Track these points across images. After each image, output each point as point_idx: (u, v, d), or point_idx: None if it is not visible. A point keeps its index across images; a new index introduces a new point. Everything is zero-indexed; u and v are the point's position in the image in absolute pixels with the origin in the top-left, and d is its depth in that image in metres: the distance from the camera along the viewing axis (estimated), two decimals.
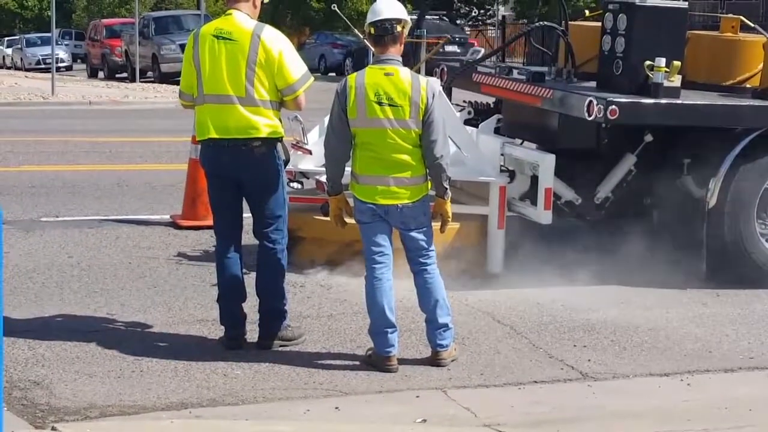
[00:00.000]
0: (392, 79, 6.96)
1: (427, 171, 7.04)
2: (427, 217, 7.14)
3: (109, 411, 6.26)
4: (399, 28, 7.05)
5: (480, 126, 10.22)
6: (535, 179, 9.44)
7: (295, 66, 7.19)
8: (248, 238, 7.69)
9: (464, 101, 11.37)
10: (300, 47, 42.80)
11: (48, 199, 12.75)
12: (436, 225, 7.24)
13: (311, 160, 9.56)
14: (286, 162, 7.52)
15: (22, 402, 6.34)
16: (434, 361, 7.21)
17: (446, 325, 7.19)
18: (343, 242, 8.90)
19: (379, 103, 6.93)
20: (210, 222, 8.19)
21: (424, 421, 6.27)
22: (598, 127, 9.65)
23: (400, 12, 7.10)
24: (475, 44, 36.56)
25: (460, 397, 6.67)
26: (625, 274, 9.35)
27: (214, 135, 7.19)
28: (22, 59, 56.42)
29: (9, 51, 60.69)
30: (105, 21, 50.15)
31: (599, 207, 9.78)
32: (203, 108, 7.26)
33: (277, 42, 7.17)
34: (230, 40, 7.15)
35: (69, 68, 53.35)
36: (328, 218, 7.53)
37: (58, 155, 16.85)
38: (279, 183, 7.38)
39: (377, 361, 7.10)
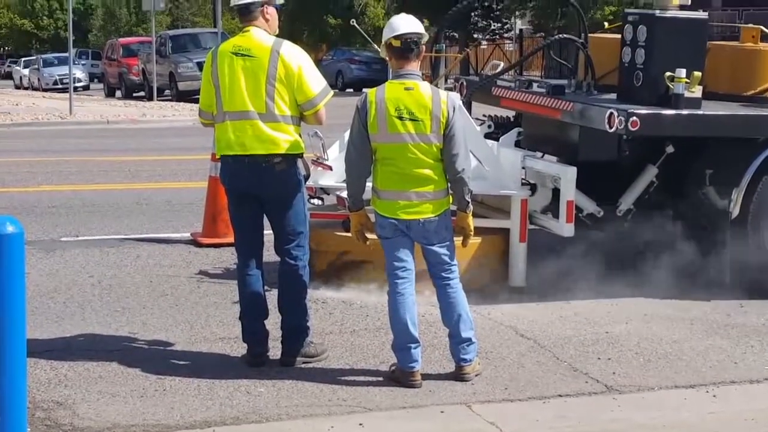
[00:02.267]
0: (412, 93, 6.94)
1: (449, 185, 7.02)
2: (449, 231, 7.11)
3: (132, 430, 6.23)
4: (422, 43, 7.05)
5: (500, 140, 10.20)
6: (556, 192, 9.41)
7: (314, 80, 7.19)
8: (269, 254, 7.67)
9: (484, 115, 11.35)
10: (317, 63, 42.88)
11: (68, 219, 12.77)
12: (458, 239, 7.21)
13: (332, 176, 9.54)
14: (306, 177, 7.51)
15: (46, 422, 6.32)
16: (458, 375, 7.17)
17: (469, 340, 7.16)
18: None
19: (400, 118, 6.91)
20: (231, 239, 8.17)
21: None
22: (619, 139, 9.61)
23: (421, 27, 7.10)
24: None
25: (484, 411, 6.63)
26: (648, 286, 9.30)
27: (234, 152, 7.18)
28: (39, 79, 56.70)
29: (26, 71, 60.99)
30: (122, 40, 50.34)
31: (621, 219, 9.74)
32: (223, 125, 7.25)
33: (296, 57, 7.17)
34: (249, 56, 7.15)
35: (86, 88, 53.62)
36: (349, 234, 7.50)
37: (77, 175, 16.89)
38: (300, 199, 7.36)
39: (401, 376, 7.07)
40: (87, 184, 15.86)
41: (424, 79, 7.12)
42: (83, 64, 59.83)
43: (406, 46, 7.00)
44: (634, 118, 8.79)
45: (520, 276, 9.42)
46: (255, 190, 7.27)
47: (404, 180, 6.95)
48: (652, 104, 9.16)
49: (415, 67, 7.04)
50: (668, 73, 9.07)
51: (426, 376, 7.12)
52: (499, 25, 56.72)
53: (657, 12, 9.35)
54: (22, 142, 22.42)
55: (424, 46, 7.09)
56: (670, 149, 9.58)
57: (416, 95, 6.92)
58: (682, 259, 9.42)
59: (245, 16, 7.31)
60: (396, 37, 7.02)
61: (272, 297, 7.55)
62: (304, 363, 7.41)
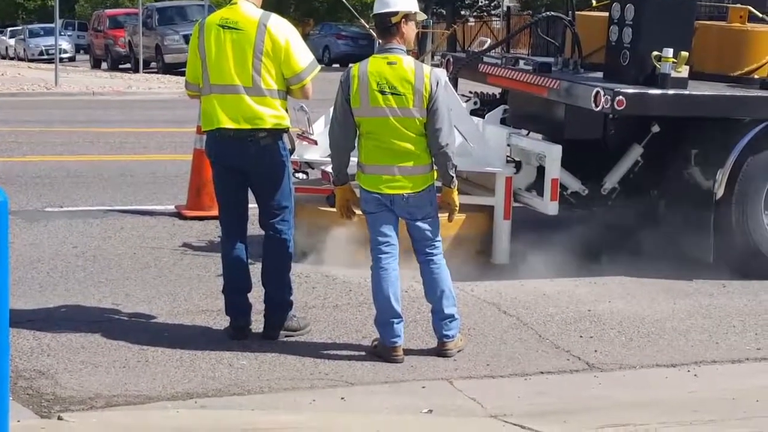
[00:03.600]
0: (395, 67, 6.92)
1: (433, 160, 7.01)
2: (433, 207, 7.11)
3: (114, 401, 6.24)
4: (394, 21, 7.00)
5: (486, 117, 10.20)
6: (541, 170, 9.41)
7: (302, 54, 7.16)
8: (254, 228, 7.67)
9: (470, 92, 11.34)
10: (304, 38, 42.81)
11: (52, 190, 12.74)
12: (442, 215, 7.21)
13: (317, 151, 9.53)
14: (291, 151, 7.49)
15: (28, 392, 6.32)
16: (440, 351, 7.19)
17: (452, 316, 7.16)
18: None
19: (382, 92, 6.90)
20: (215, 212, 8.18)
21: (430, 411, 6.25)
22: (605, 118, 9.61)
23: (398, 4, 7.02)
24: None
25: (466, 387, 6.65)
26: (631, 266, 9.33)
27: (220, 125, 7.16)
28: (25, 50, 56.44)
29: (12, 42, 60.71)
30: (108, 11, 50.12)
31: (606, 198, 9.75)
32: (209, 98, 7.23)
33: (283, 30, 7.15)
34: (236, 29, 7.12)
35: (72, 59, 53.33)
36: (334, 209, 7.51)
37: (62, 146, 16.83)
38: (285, 173, 7.35)
39: (383, 351, 7.08)
40: (72, 155, 15.81)
41: (410, 55, 7.10)
42: (69, 35, 59.50)
43: (377, 25, 7.05)
44: (621, 97, 8.78)
45: (503, 253, 9.43)
46: (240, 164, 7.25)
47: (387, 154, 6.94)
48: (638, 83, 9.17)
49: (399, 42, 7.02)
50: (655, 53, 9.07)
51: (408, 352, 7.13)
52: (487, 1, 56.68)
53: None
54: (6, 113, 22.32)
55: (405, 21, 7.02)
56: (655, 129, 9.59)
57: (399, 69, 6.91)
58: (666, 238, 9.45)
59: None
60: (372, 16, 7.06)
61: (256, 270, 7.54)
62: (286, 337, 7.42)
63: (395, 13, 6.99)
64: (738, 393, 6.73)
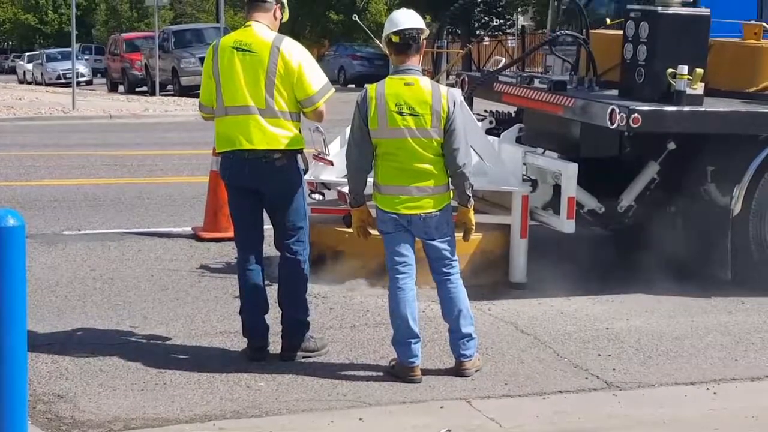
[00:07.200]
0: (412, 88, 6.94)
1: (450, 180, 7.02)
2: (450, 226, 7.12)
3: (133, 424, 6.24)
4: (422, 38, 7.06)
5: (502, 135, 10.20)
6: (557, 188, 9.41)
7: (314, 77, 7.17)
8: (270, 249, 7.68)
9: (485, 111, 11.34)
10: (319, 59, 42.95)
11: (70, 213, 12.78)
12: (459, 234, 7.21)
13: (333, 171, 9.54)
14: (304, 172, 7.50)
15: (47, 415, 6.33)
16: (458, 371, 7.18)
17: (470, 335, 7.16)
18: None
19: (400, 113, 6.91)
20: (232, 234, 8.18)
21: (449, 431, 6.24)
22: (620, 136, 9.60)
23: (421, 22, 7.10)
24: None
25: (484, 407, 6.63)
26: (649, 283, 9.30)
27: (234, 147, 7.18)
28: (42, 74, 56.78)
29: (30, 66, 61.07)
30: (125, 35, 50.43)
31: (622, 215, 9.73)
32: (223, 120, 7.25)
33: (296, 53, 7.17)
34: (249, 51, 7.15)
35: (89, 82, 53.62)
36: (350, 229, 7.51)
37: (80, 169, 16.90)
38: (300, 194, 7.37)
39: (401, 371, 7.07)
40: (89, 178, 15.87)
41: (424, 75, 7.12)
42: (86, 59, 59.82)
43: (404, 42, 7.01)
44: (636, 114, 8.78)
45: (520, 272, 9.42)
46: (255, 185, 7.27)
47: (405, 175, 6.95)
48: (653, 101, 9.16)
49: (415, 62, 7.04)
50: (670, 70, 9.06)
51: (426, 372, 7.12)
52: (502, 21, 56.74)
53: (659, 8, 9.34)
54: (25, 137, 22.44)
55: (424, 41, 7.09)
56: (671, 146, 9.57)
57: (416, 90, 6.92)
58: (684, 255, 9.42)
59: (256, 8, 7.28)
60: (395, 33, 7.03)
61: (272, 291, 7.55)
62: (304, 358, 7.41)
63: (423, 30, 7.04)
64: (758, 411, 6.70)
